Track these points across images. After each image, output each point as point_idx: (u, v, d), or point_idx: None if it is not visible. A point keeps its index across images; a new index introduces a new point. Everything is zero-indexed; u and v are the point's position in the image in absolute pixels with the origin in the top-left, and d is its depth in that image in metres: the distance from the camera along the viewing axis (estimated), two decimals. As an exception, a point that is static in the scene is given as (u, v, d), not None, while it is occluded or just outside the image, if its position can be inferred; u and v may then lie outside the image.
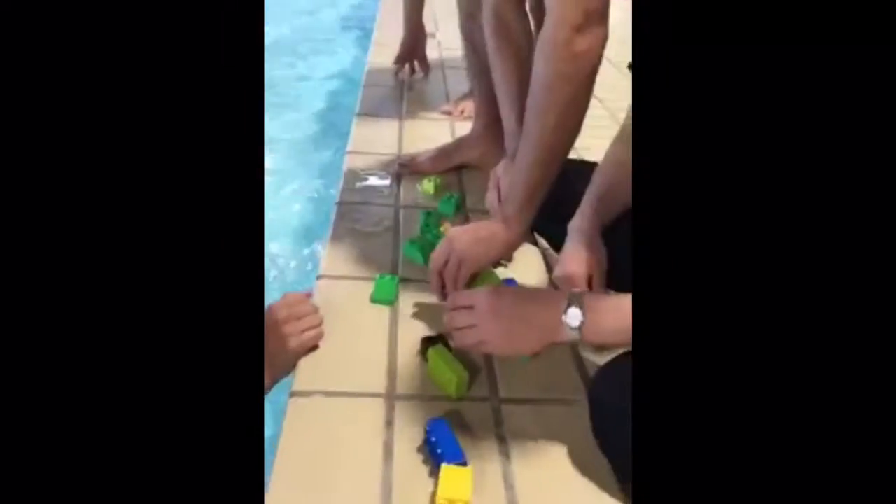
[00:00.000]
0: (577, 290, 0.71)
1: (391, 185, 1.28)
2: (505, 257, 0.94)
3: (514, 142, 1.02)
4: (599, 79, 0.80)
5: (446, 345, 0.84)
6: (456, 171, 1.33)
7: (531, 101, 0.83)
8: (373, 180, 1.29)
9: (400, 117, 1.59)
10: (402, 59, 1.84)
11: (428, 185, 1.25)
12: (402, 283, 0.99)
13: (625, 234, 0.94)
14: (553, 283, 0.92)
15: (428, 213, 1.13)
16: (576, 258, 0.89)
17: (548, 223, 0.98)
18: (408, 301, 0.95)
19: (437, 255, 0.91)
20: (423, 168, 1.31)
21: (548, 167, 0.85)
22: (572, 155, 0.88)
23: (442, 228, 1.10)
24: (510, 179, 0.88)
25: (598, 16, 0.75)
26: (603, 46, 0.77)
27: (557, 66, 0.78)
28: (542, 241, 1.11)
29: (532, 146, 0.84)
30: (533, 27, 1.13)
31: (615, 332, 0.67)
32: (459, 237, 0.90)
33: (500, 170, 1.07)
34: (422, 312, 0.93)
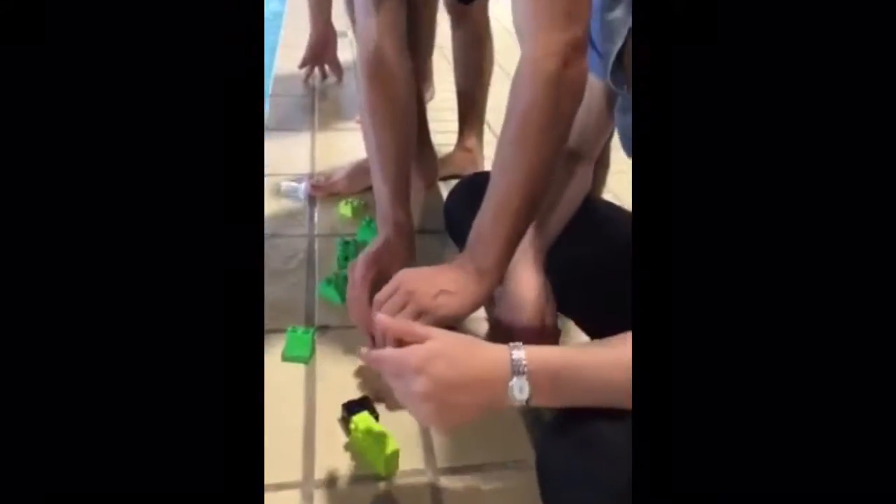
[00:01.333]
0: (517, 348, 0.60)
1: (304, 194, 1.15)
2: (473, 312, 0.78)
3: (389, 226, 0.88)
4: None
5: (372, 409, 0.72)
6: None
7: (511, 137, 0.71)
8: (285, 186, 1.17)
9: (312, 130, 1.45)
10: (310, 62, 1.68)
11: (345, 209, 1.13)
12: (320, 331, 0.86)
13: (566, 251, 0.85)
14: (493, 321, 0.82)
15: (346, 243, 1.01)
16: (525, 292, 0.79)
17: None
18: (326, 355, 0.83)
19: (387, 302, 0.75)
20: (338, 189, 1.18)
21: (531, 208, 0.73)
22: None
23: (361, 260, 0.98)
24: (481, 225, 0.74)
25: (583, 46, 0.68)
26: (585, 79, 0.70)
27: (546, 100, 0.67)
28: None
29: (516, 187, 0.71)
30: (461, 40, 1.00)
31: (569, 397, 0.57)
32: (417, 285, 0.75)
33: (363, 263, 0.84)
34: (343, 368, 0.81)
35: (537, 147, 0.69)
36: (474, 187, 1.03)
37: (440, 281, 0.74)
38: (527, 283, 0.80)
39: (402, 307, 0.74)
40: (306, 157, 1.33)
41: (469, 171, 1.33)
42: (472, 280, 0.73)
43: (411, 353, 0.61)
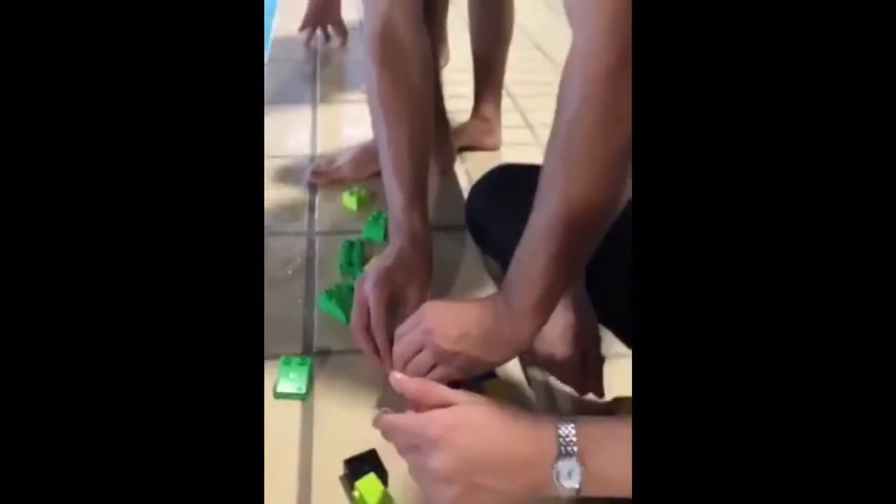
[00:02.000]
0: (565, 423, 0.47)
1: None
2: (506, 362, 0.65)
3: (404, 237, 0.74)
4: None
5: (379, 468, 0.60)
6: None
7: (557, 148, 0.56)
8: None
9: (313, 103, 1.29)
10: (310, 23, 1.52)
11: (349, 200, 0.99)
12: (319, 358, 0.74)
13: (611, 268, 0.71)
14: (526, 364, 0.69)
15: (350, 245, 0.88)
16: (561, 319, 0.67)
17: (506, 244, 0.73)
18: (326, 390, 0.70)
19: (406, 339, 0.63)
20: (342, 175, 1.04)
21: (586, 236, 0.57)
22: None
23: (367, 267, 0.84)
24: (520, 256, 0.59)
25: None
26: None
27: (600, 103, 0.52)
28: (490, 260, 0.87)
29: (562, 210, 0.55)
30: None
31: (627, 482, 0.45)
32: (437, 324, 0.61)
33: (374, 284, 0.70)
34: (347, 406, 0.68)
35: (589, 160, 0.54)
36: (503, 180, 0.89)
37: (465, 320, 0.60)
38: (563, 307, 0.67)
39: (420, 349, 0.61)
40: (306, 135, 1.18)
41: (486, 142, 1.20)
42: (505, 323, 0.59)
43: (430, 420, 0.48)
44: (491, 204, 0.86)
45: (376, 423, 0.52)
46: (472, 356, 0.60)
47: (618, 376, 0.72)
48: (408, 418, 0.49)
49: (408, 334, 0.63)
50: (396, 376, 0.51)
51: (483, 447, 0.46)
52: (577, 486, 0.44)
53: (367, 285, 0.70)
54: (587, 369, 0.69)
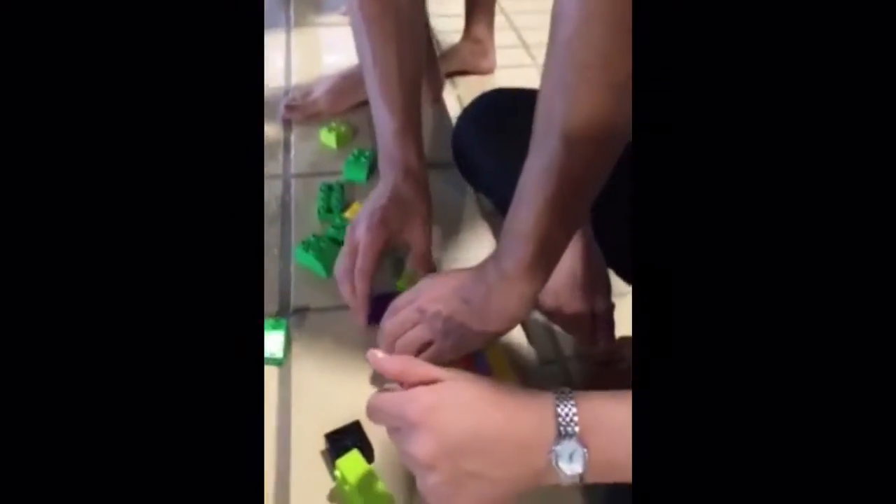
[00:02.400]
0: (564, 398, 0.40)
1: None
2: (504, 334, 0.58)
3: (397, 170, 0.66)
4: None
5: (363, 444, 0.54)
6: (369, 107, 0.95)
7: (552, 81, 0.47)
8: None
9: (287, 27, 1.18)
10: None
11: (328, 137, 0.89)
12: (296, 317, 0.67)
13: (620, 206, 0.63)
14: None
15: (329, 188, 0.79)
16: (567, 267, 0.60)
17: (499, 180, 0.66)
18: (305, 353, 0.64)
19: (398, 317, 0.57)
20: (319, 109, 0.94)
21: (587, 189, 0.50)
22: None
23: (347, 213, 0.76)
24: (513, 212, 0.51)
25: None
26: None
27: (599, 26, 0.43)
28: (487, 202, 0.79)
29: (559, 155, 0.47)
30: None
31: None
32: (433, 300, 0.55)
33: (368, 228, 0.63)
34: (327, 373, 0.62)
35: (589, 88, 0.45)
36: (493, 106, 0.79)
37: (456, 293, 0.53)
38: (568, 251, 0.59)
39: (414, 325, 0.55)
40: (280, 64, 1.07)
41: (480, 65, 1.10)
42: (498, 292, 0.52)
43: (409, 400, 0.41)
44: (481, 134, 0.77)
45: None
46: (466, 331, 0.53)
47: (624, 314, 0.65)
48: (388, 398, 0.42)
49: (400, 311, 0.56)
50: (377, 355, 0.44)
51: (469, 429, 0.39)
52: (579, 470, 0.38)
53: (360, 230, 0.63)
54: (597, 319, 0.63)
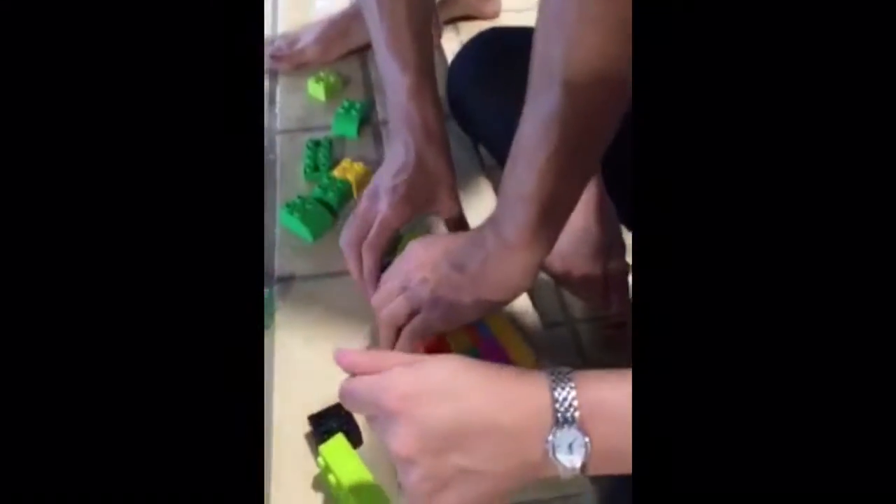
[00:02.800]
0: (561, 379, 0.35)
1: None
2: (500, 307, 0.52)
3: (418, 134, 0.59)
4: None
5: (349, 427, 0.49)
6: (360, 55, 0.89)
7: (551, 14, 0.41)
8: None
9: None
10: None
11: (316, 88, 0.83)
12: (281, 286, 0.62)
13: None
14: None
15: (316, 144, 0.74)
16: (577, 225, 0.54)
17: (498, 129, 0.59)
18: (290, 325, 0.59)
19: (386, 286, 0.52)
20: (307, 58, 0.87)
21: (591, 144, 0.44)
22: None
23: (336, 171, 0.71)
24: (510, 169, 0.46)
25: None
26: None
27: None
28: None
29: (559, 104, 0.42)
30: None
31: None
32: (420, 266, 0.49)
33: (392, 203, 0.57)
34: (313, 347, 0.57)
35: (591, 26, 0.39)
36: (490, 48, 0.72)
37: (447, 260, 0.48)
38: (578, 210, 0.53)
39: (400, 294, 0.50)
40: (265, 9, 1.00)
41: (484, 10, 1.03)
42: (496, 261, 0.46)
43: (385, 387, 0.37)
44: (479, 78, 0.70)
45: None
46: (457, 303, 0.47)
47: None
48: (361, 382, 0.37)
49: (388, 279, 0.51)
50: (337, 355, 0.39)
51: (453, 418, 0.34)
52: (580, 462, 0.33)
53: (382, 204, 0.57)
54: (610, 283, 0.57)
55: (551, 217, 0.45)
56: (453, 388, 0.35)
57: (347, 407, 0.39)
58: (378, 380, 0.36)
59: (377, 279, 0.55)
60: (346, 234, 0.58)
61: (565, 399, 0.34)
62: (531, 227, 0.45)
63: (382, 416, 0.36)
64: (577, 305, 0.78)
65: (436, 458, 0.34)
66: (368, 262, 0.56)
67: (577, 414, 0.34)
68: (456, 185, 0.61)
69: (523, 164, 0.44)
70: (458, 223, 0.61)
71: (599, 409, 0.34)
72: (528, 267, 0.46)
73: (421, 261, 0.49)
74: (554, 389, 0.34)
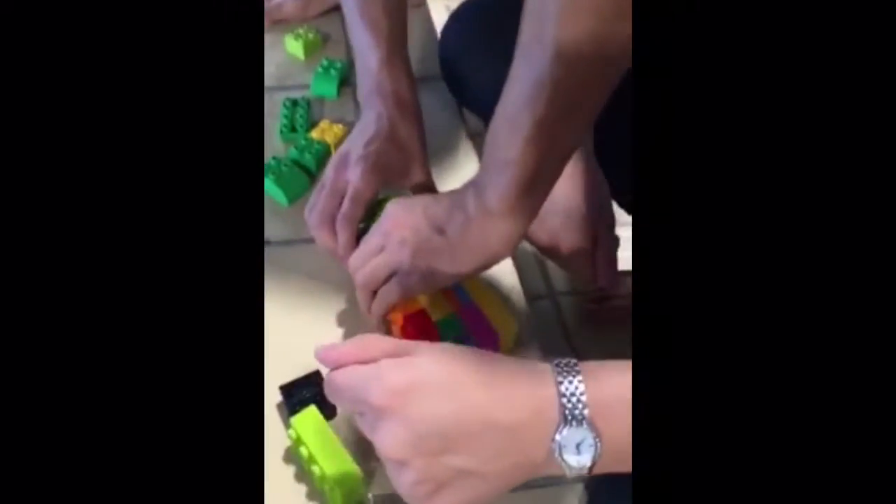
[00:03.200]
0: (568, 371, 0.32)
1: None
2: (477, 273, 0.49)
3: (390, 104, 0.57)
4: None
5: (324, 401, 0.47)
6: (341, 12, 0.84)
7: None
8: None
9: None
10: None
11: (294, 46, 0.79)
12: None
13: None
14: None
15: (293, 103, 0.70)
16: (565, 194, 0.53)
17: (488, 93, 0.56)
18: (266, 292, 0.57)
19: (362, 248, 0.50)
20: (286, 14, 0.83)
21: (582, 105, 0.42)
22: None
23: (314, 133, 0.68)
24: (494, 130, 0.44)
25: None
26: None
27: None
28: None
29: (552, 62, 0.40)
30: None
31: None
32: (398, 228, 0.47)
33: (362, 172, 0.54)
34: (287, 314, 0.55)
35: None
36: (485, 10, 0.69)
37: (426, 222, 0.46)
38: (566, 178, 0.51)
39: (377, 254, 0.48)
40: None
41: None
42: (476, 225, 0.44)
43: (373, 381, 0.34)
44: (470, 41, 0.67)
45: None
46: (435, 266, 0.45)
47: (626, 245, 0.58)
48: (348, 375, 0.35)
49: (367, 240, 0.49)
50: (321, 354, 0.36)
51: (448, 415, 0.32)
52: (588, 462, 0.31)
53: (352, 174, 0.54)
54: (598, 257, 0.55)
55: (535, 185, 0.43)
56: (447, 383, 0.33)
57: (332, 401, 0.37)
58: (365, 373, 0.34)
59: (350, 253, 0.53)
60: (313, 208, 0.55)
61: (573, 394, 0.32)
62: (514, 194, 0.43)
63: (370, 414, 0.33)
64: (560, 279, 0.77)
65: (430, 460, 0.32)
66: (345, 235, 0.54)
67: (585, 411, 0.31)
68: (427, 161, 0.59)
69: (508, 128, 0.42)
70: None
71: (610, 406, 0.31)
72: (508, 235, 0.45)
73: (400, 221, 0.47)
74: (560, 383, 0.32)
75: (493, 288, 0.57)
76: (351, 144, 0.57)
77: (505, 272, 0.59)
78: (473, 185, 0.45)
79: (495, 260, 0.47)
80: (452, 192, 0.47)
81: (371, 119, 0.57)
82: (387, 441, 0.32)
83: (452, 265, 0.45)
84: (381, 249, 0.48)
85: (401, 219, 0.47)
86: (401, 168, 0.57)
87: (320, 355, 0.36)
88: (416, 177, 0.58)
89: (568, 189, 0.55)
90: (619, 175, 0.58)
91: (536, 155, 0.42)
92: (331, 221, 0.55)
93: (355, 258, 0.50)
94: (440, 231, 0.45)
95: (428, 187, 0.58)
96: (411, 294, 0.48)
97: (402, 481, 0.32)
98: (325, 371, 0.37)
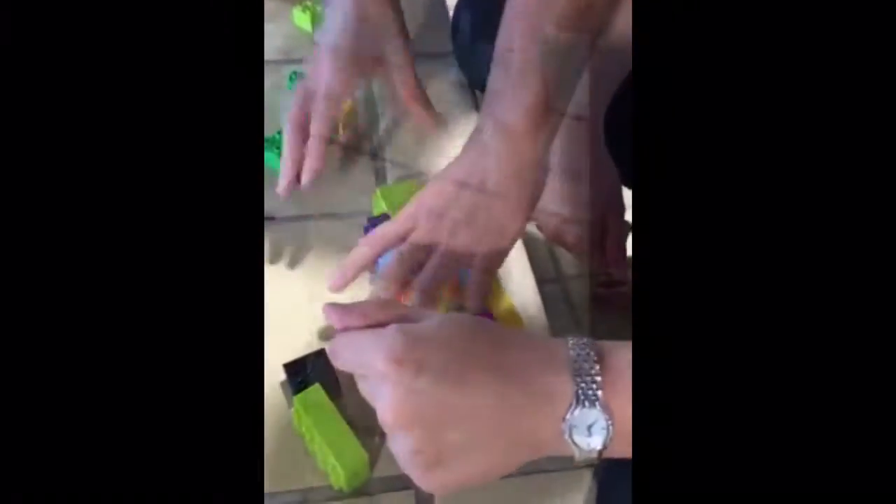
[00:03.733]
0: (581, 346, 0.31)
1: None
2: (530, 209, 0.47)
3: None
4: None
5: (329, 377, 0.46)
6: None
7: None
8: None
9: None
10: None
11: (302, 17, 0.77)
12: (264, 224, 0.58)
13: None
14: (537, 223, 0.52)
15: (301, 76, 0.68)
16: (571, 197, 0.51)
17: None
18: (268, 270, 0.55)
19: (381, 230, 0.48)
20: (292, -16, 0.81)
21: (596, 13, 0.42)
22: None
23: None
24: (500, 47, 0.42)
25: None
26: None
27: None
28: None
29: None
30: None
31: None
32: (430, 191, 0.46)
33: (333, 64, 0.52)
34: (292, 291, 0.54)
35: None
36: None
37: (452, 174, 0.45)
38: (577, 163, 0.50)
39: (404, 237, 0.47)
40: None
41: None
42: (500, 154, 0.43)
43: (376, 345, 0.32)
44: (482, 19, 0.65)
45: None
46: (473, 221, 0.44)
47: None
48: (352, 338, 0.33)
49: (400, 220, 0.47)
50: (327, 307, 0.35)
51: (453, 387, 0.30)
52: (599, 445, 0.30)
53: (325, 70, 0.52)
54: (608, 243, 0.54)
55: (555, 98, 0.41)
56: (456, 352, 0.31)
57: (335, 363, 0.35)
58: (370, 337, 0.32)
59: (322, 154, 0.52)
60: (290, 118, 0.54)
61: (587, 374, 0.30)
62: (534, 107, 0.41)
63: (372, 377, 0.32)
64: (569, 262, 0.76)
65: (430, 432, 0.31)
66: (319, 129, 0.52)
67: (599, 392, 0.30)
68: (407, 39, 0.55)
69: (523, 30, 0.40)
70: (414, 87, 0.56)
71: (626, 388, 0.30)
72: (533, 160, 0.43)
73: (424, 196, 0.45)
74: (574, 361, 0.31)
75: (503, 285, 0.55)
76: (321, 39, 0.54)
77: (515, 259, 0.57)
78: (486, 112, 0.44)
79: (534, 195, 0.45)
80: (464, 148, 0.46)
81: (336, 9, 0.54)
82: (388, 406, 0.31)
83: (498, 215, 0.44)
84: (407, 232, 0.46)
85: (425, 195, 0.46)
86: (375, 52, 0.54)
87: (328, 311, 0.35)
88: (394, 56, 0.55)
89: (577, 177, 0.54)
90: (628, 161, 0.57)
91: (555, 62, 0.40)
92: (302, 126, 0.53)
93: (370, 243, 0.48)
94: (465, 184, 0.44)
95: (409, 66, 0.55)
96: (457, 269, 0.46)
97: (401, 450, 0.31)
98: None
